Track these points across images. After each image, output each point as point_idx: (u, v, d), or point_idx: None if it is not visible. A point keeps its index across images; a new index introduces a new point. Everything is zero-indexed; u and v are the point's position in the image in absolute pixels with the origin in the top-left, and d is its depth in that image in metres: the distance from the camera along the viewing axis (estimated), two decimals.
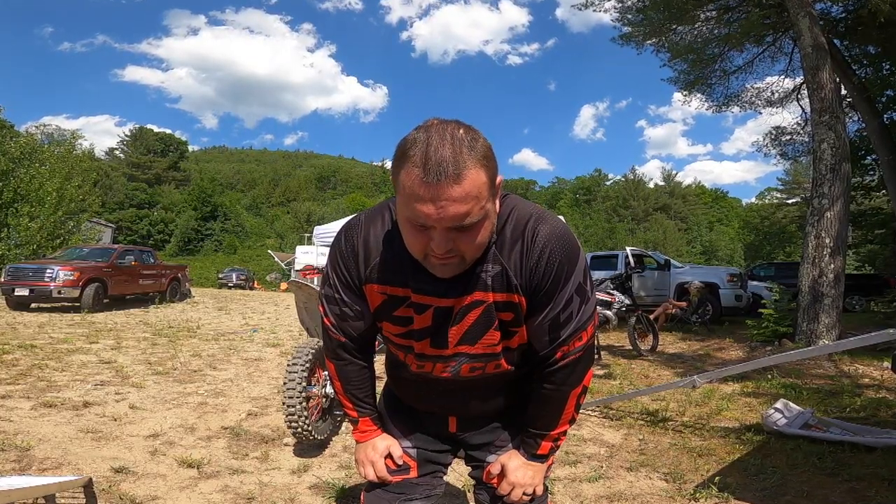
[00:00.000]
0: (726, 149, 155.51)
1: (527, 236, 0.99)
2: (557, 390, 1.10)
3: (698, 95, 13.01)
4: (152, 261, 13.82)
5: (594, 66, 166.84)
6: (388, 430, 1.28)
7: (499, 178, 0.92)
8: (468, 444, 1.28)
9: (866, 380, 5.55)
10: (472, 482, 1.33)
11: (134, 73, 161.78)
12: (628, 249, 10.60)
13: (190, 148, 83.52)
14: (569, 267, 1.00)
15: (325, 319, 1.16)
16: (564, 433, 1.18)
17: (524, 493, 1.18)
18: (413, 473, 1.24)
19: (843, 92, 9.74)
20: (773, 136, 14.19)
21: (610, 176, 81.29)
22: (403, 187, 0.87)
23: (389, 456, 1.23)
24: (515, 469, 1.17)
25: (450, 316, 1.04)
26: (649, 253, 13.15)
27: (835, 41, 9.80)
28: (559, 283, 1.00)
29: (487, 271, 1.00)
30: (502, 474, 1.18)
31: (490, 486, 1.23)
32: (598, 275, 8.79)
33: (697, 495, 2.69)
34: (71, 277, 10.36)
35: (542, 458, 1.19)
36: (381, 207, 1.10)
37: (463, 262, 0.95)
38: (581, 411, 1.23)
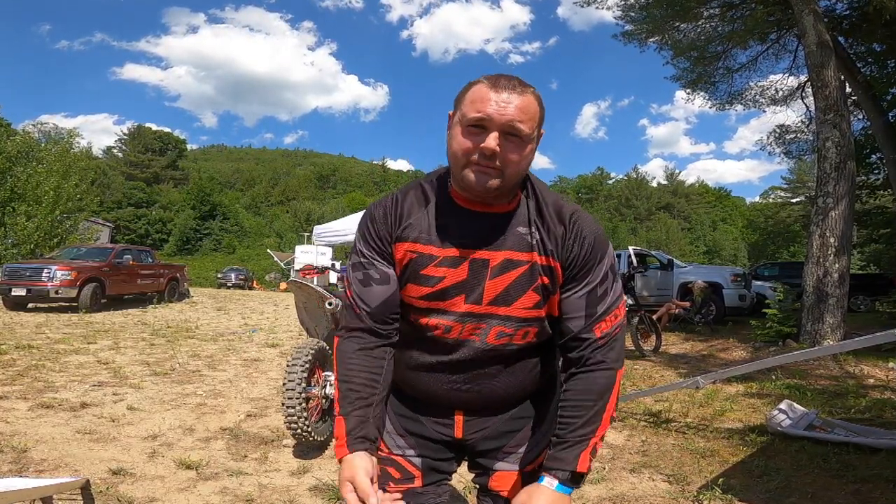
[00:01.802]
0: (729, 147, 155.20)
1: (567, 220, 1.05)
2: (601, 373, 1.04)
3: (701, 93, 12.97)
4: (150, 260, 13.81)
5: (596, 64, 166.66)
6: (391, 439, 1.21)
7: (542, 131, 1.04)
8: (474, 450, 1.20)
9: (871, 380, 5.51)
10: (474, 486, 1.29)
11: (133, 72, 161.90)
12: (631, 249, 10.55)
13: (188, 146, 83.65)
14: (603, 249, 1.06)
15: (348, 291, 1.13)
16: (603, 438, 1.05)
17: None
18: (418, 483, 1.18)
19: (848, 90, 9.66)
20: (777, 135, 14.12)
21: (612, 175, 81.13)
22: (468, 100, 0.98)
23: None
24: None
25: (486, 269, 1.04)
26: (652, 252, 13.11)
27: (839, 39, 9.71)
28: (596, 258, 1.05)
29: (532, 234, 1.05)
30: None
31: (495, 494, 1.17)
32: None
33: (701, 497, 2.68)
34: (68, 277, 10.34)
35: (577, 481, 1.01)
36: (413, 182, 1.15)
37: (500, 178, 0.98)
38: None
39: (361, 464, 1.01)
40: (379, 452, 1.18)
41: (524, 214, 1.06)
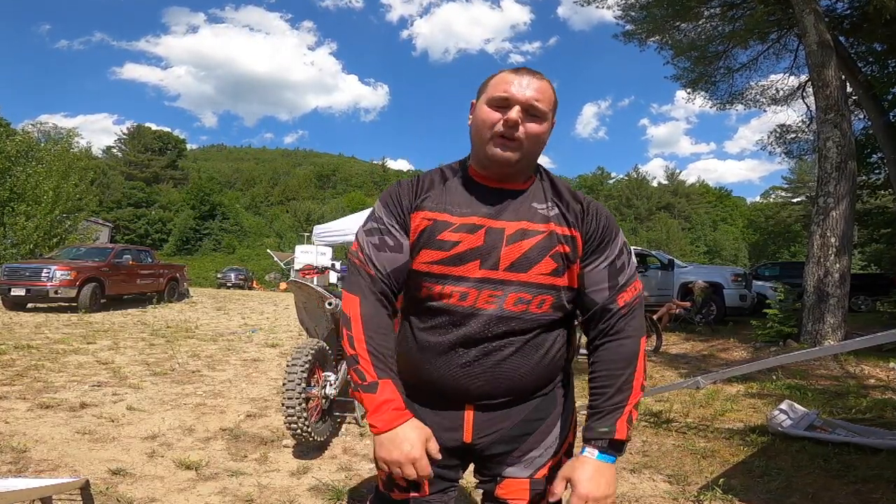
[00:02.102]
0: (730, 147, 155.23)
1: (584, 201, 1.14)
2: (627, 340, 1.08)
3: (702, 93, 12.95)
4: (150, 260, 13.75)
5: (596, 64, 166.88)
6: None
7: (555, 120, 1.14)
8: (482, 455, 1.16)
9: (872, 381, 5.50)
10: (476, 490, 1.27)
11: (132, 71, 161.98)
12: (631, 249, 10.53)
13: (188, 146, 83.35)
14: (617, 227, 1.15)
15: (358, 254, 1.13)
16: (638, 405, 1.08)
17: None
18: (424, 491, 1.16)
19: (849, 89, 9.64)
20: (777, 135, 14.11)
21: (612, 174, 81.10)
22: (491, 84, 1.10)
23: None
24: (587, 480, 1.00)
25: (501, 237, 1.07)
26: (653, 252, 13.08)
27: (840, 38, 9.70)
28: (612, 233, 1.12)
29: (550, 208, 1.11)
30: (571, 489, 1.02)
31: (503, 502, 1.14)
32: None
33: (701, 497, 2.67)
34: (68, 277, 10.29)
35: (618, 448, 1.04)
36: (434, 168, 1.23)
37: (520, 151, 1.07)
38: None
39: (422, 435, 1.03)
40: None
41: (539, 192, 1.13)
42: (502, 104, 1.07)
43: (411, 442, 1.00)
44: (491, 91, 1.09)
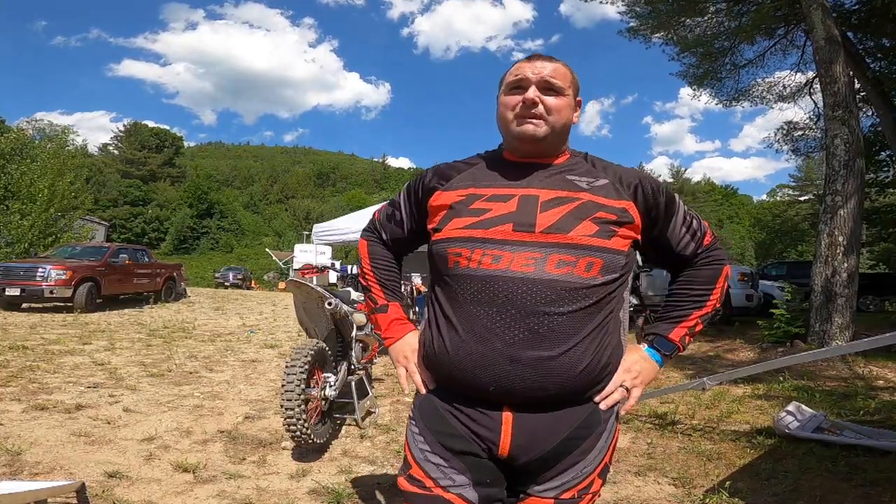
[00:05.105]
0: (735, 145, 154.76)
1: (638, 174, 1.15)
2: (715, 264, 1.18)
3: (708, 90, 12.84)
4: (147, 259, 13.67)
5: (599, 61, 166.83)
6: (434, 466, 1.08)
7: (580, 98, 1.18)
8: (514, 471, 1.07)
9: (881, 382, 5.44)
10: None
11: (130, 68, 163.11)
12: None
13: (187, 144, 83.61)
14: (670, 190, 1.18)
15: (374, 216, 1.36)
16: (700, 323, 1.16)
17: (622, 384, 1.09)
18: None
19: (857, 86, 9.54)
20: (784, 132, 13.97)
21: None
22: (508, 74, 1.15)
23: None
24: (631, 361, 1.11)
25: (536, 204, 1.06)
26: None
27: (848, 34, 9.58)
28: (671, 196, 1.15)
29: (590, 182, 1.10)
30: None
31: None
32: None
33: (707, 500, 2.65)
34: (63, 277, 10.23)
35: (667, 347, 1.15)
36: None
37: (545, 126, 1.09)
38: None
39: (415, 342, 1.20)
40: (416, 488, 1.08)
41: (578, 167, 1.14)
42: (519, 86, 1.11)
43: (412, 346, 1.21)
44: (508, 78, 1.14)
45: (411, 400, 1.25)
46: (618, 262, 1.04)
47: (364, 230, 1.36)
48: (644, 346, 1.16)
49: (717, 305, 1.17)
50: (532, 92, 1.09)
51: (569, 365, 1.00)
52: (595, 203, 1.06)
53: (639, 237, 1.11)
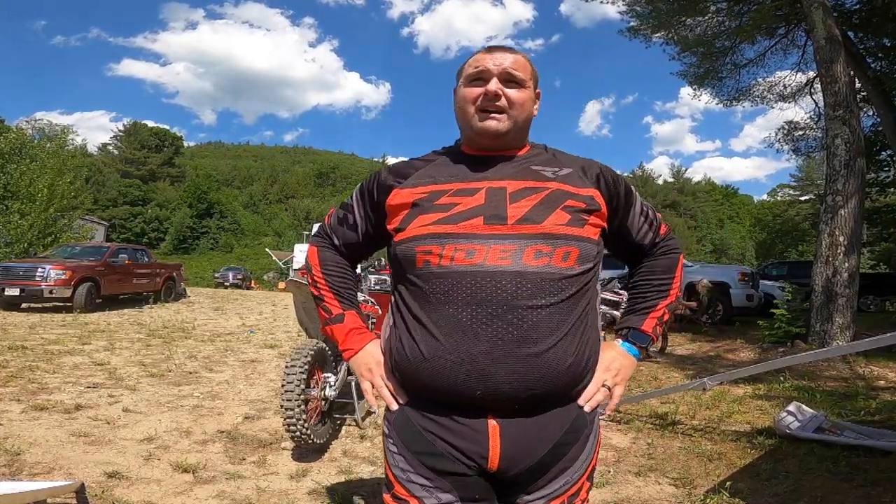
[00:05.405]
0: (735, 145, 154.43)
1: (597, 164, 1.16)
2: (671, 254, 1.22)
3: (708, 90, 12.82)
4: (146, 259, 13.64)
5: (599, 61, 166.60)
6: (411, 483, 1.04)
7: (539, 91, 1.16)
8: (506, 482, 1.04)
9: (882, 382, 5.43)
10: None
11: (130, 68, 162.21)
12: None
13: (187, 144, 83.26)
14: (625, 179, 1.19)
15: (325, 220, 1.27)
16: (667, 312, 1.19)
17: (603, 384, 1.07)
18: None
19: (858, 86, 9.52)
20: (785, 132, 13.96)
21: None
22: (467, 65, 1.11)
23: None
24: (610, 359, 1.11)
25: (504, 196, 1.04)
26: None
27: (849, 33, 9.57)
28: (629, 186, 1.17)
29: (554, 172, 1.09)
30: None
31: None
32: (605, 274, 8.66)
33: (708, 501, 2.64)
34: (63, 276, 10.20)
35: (642, 340, 1.16)
36: None
37: (507, 119, 1.07)
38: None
39: (378, 353, 1.13)
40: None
41: (540, 158, 1.12)
42: (480, 78, 1.08)
43: (375, 357, 1.13)
44: (468, 70, 1.10)
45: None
46: (591, 251, 1.03)
47: (314, 235, 1.27)
48: (619, 342, 1.16)
49: (679, 294, 1.22)
50: (494, 84, 1.05)
51: (556, 361, 0.97)
52: (564, 191, 1.04)
53: (605, 225, 1.10)
